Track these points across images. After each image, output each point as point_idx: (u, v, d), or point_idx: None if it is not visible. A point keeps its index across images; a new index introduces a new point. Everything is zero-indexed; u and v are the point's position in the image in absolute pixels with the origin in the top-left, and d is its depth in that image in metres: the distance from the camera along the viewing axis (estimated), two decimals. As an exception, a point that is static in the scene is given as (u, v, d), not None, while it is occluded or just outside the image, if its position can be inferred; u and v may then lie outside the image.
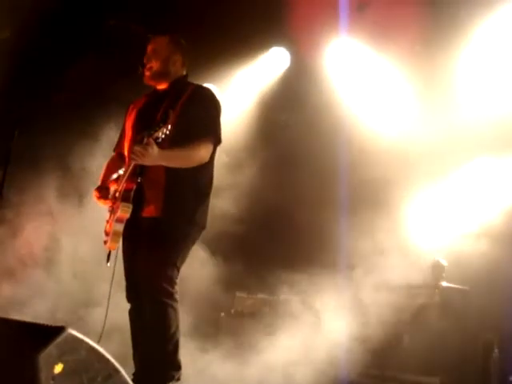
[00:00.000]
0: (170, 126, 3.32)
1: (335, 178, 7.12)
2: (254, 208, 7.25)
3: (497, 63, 6.43)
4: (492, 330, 5.84)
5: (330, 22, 6.78)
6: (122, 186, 3.57)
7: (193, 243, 3.70)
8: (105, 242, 3.61)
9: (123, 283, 3.67)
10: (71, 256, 6.16)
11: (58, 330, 2.54)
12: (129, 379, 2.79)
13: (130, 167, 3.51)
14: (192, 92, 3.71)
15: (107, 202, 3.69)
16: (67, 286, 6.02)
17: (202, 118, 3.63)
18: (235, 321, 6.71)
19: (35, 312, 5.55)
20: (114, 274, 3.64)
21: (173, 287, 3.50)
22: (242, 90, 7.94)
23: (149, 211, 3.55)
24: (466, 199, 6.73)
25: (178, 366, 3.51)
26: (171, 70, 3.80)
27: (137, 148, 3.37)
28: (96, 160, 5.84)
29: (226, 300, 6.96)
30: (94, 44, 6.90)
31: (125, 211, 3.48)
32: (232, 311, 6.89)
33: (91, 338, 2.64)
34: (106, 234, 3.62)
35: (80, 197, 6.16)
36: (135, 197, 3.52)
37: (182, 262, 3.61)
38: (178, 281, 3.55)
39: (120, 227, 3.51)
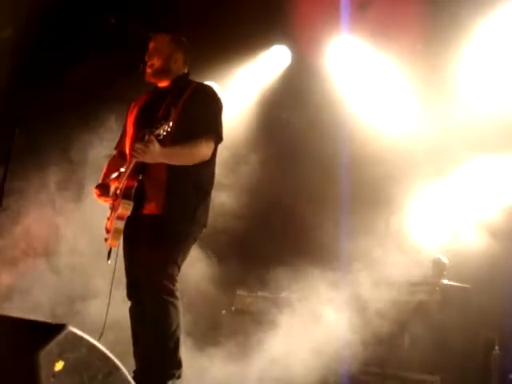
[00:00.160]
0: (171, 124, 3.32)
1: (336, 175, 7.13)
2: (254, 205, 7.26)
3: (497, 62, 6.43)
4: (493, 327, 5.83)
5: (332, 21, 6.78)
6: (123, 183, 3.56)
7: (194, 241, 3.70)
8: (106, 240, 3.60)
9: (124, 280, 3.67)
10: (70, 249, 6.18)
11: (59, 327, 2.52)
12: (129, 377, 2.78)
13: (132, 164, 3.51)
14: (194, 90, 3.71)
15: (108, 199, 3.69)
16: (65, 279, 6.04)
17: (204, 115, 3.63)
18: (236, 318, 6.73)
19: (33, 303, 5.58)
20: (114, 272, 3.64)
21: (173, 285, 3.49)
22: (243, 87, 7.93)
23: (150, 209, 3.55)
24: (466, 197, 6.73)
25: (178, 364, 3.50)
26: (172, 68, 3.80)
27: (138, 145, 3.38)
28: (98, 152, 5.86)
29: (226, 298, 6.97)
30: (94, 43, 6.91)
31: (126, 208, 3.48)
32: (233, 309, 6.91)
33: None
34: (107, 231, 3.61)
35: (79, 191, 6.18)
36: (136, 194, 3.52)
37: (183, 259, 3.61)
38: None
39: (121, 224, 3.50)
